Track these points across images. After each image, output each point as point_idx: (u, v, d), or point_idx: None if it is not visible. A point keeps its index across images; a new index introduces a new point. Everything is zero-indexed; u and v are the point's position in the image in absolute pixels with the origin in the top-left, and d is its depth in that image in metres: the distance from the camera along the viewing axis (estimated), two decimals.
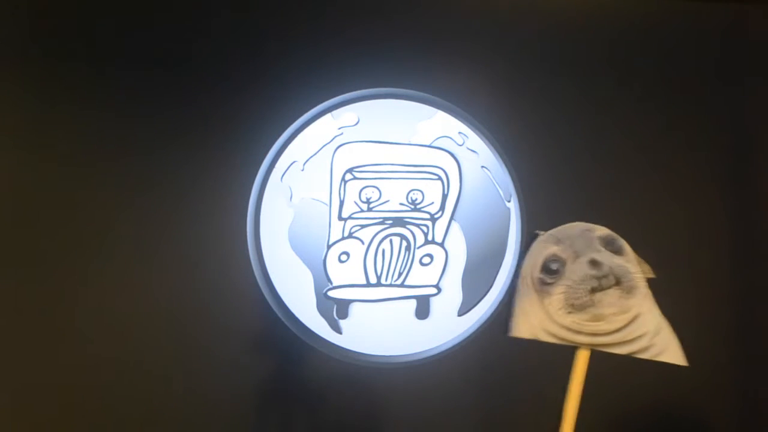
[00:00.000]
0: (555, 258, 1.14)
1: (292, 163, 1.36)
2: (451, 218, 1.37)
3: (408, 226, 1.36)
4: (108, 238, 1.31)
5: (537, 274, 1.15)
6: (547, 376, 1.36)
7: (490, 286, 1.36)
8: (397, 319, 1.36)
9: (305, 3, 1.37)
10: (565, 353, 1.35)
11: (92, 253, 1.31)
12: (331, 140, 1.36)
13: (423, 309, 1.36)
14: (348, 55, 1.36)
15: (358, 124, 1.37)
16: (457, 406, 1.36)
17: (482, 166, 1.38)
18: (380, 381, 1.35)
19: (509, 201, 1.37)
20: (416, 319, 1.36)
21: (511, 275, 1.33)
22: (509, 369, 1.37)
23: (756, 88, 1.44)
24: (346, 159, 1.36)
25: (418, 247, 1.36)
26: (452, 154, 1.37)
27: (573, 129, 1.39)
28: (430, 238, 1.36)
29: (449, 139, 1.38)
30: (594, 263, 1.11)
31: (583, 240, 1.15)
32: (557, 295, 1.12)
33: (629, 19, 1.42)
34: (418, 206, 1.36)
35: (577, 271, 1.11)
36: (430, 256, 1.36)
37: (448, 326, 1.36)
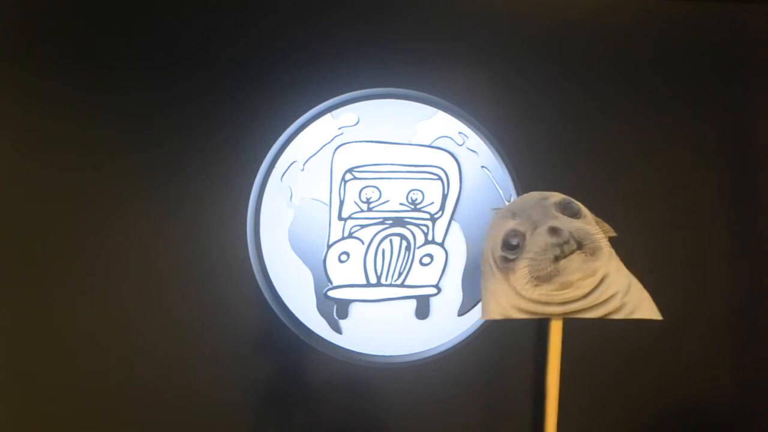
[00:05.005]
0: (514, 233, 1.11)
1: (292, 163, 1.36)
2: (451, 218, 1.37)
3: (408, 226, 1.36)
4: (108, 239, 1.31)
5: (498, 252, 1.12)
6: (545, 376, 1.36)
7: None
8: (397, 319, 1.36)
9: (305, 3, 1.37)
10: (563, 352, 1.35)
11: (92, 253, 1.31)
12: (331, 140, 1.36)
13: (423, 309, 1.36)
14: (348, 55, 1.36)
15: (358, 124, 1.37)
16: (457, 406, 1.36)
17: (482, 166, 1.38)
18: (380, 381, 1.35)
19: (509, 201, 1.37)
20: (416, 319, 1.36)
21: None
22: (509, 369, 1.37)
23: (756, 88, 1.44)
24: (346, 159, 1.36)
25: (418, 247, 1.36)
26: (452, 154, 1.37)
27: (573, 129, 1.39)
28: (430, 238, 1.36)
29: (449, 139, 1.38)
30: (553, 231, 1.07)
31: (540, 209, 1.12)
32: (521, 269, 1.08)
33: (629, 20, 1.42)
34: (418, 206, 1.36)
35: (537, 241, 1.08)
36: (430, 256, 1.36)
37: (448, 326, 1.36)
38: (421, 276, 1.36)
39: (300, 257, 1.35)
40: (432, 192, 1.37)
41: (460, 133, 1.38)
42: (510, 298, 1.10)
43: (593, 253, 1.06)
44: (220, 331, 1.32)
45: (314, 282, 1.35)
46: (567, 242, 1.06)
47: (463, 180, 1.37)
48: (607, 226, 1.15)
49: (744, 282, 1.41)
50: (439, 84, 1.37)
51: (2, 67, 1.32)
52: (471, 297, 1.36)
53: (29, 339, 1.30)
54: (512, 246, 1.09)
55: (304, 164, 1.36)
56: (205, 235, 1.32)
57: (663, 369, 1.39)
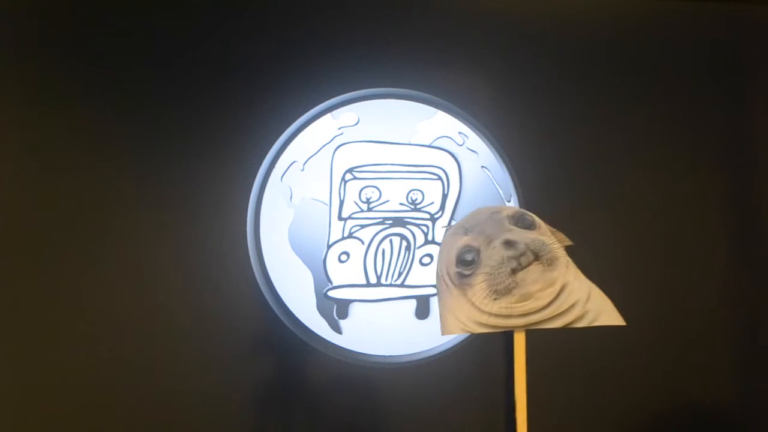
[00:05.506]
0: (468, 248, 1.10)
1: (292, 163, 1.36)
2: (451, 218, 1.37)
3: (408, 226, 1.36)
4: (107, 239, 1.31)
5: (453, 269, 1.12)
6: (546, 376, 1.36)
7: None
8: (397, 319, 1.36)
9: (305, 3, 1.37)
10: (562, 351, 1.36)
11: (91, 253, 1.31)
12: (331, 140, 1.36)
13: (423, 309, 1.36)
14: (348, 55, 1.36)
15: (358, 124, 1.37)
16: (456, 406, 1.36)
17: (482, 166, 1.38)
18: (380, 381, 1.34)
19: (509, 201, 1.37)
20: (416, 319, 1.36)
21: None
22: (509, 369, 1.37)
23: (756, 88, 1.44)
24: (346, 159, 1.36)
25: (418, 247, 1.36)
26: (452, 154, 1.37)
27: (573, 129, 1.39)
28: (430, 238, 1.36)
29: (449, 139, 1.38)
30: (509, 243, 1.07)
31: (492, 223, 1.12)
32: (479, 284, 1.08)
33: (629, 20, 1.42)
34: (418, 206, 1.36)
35: (493, 255, 1.07)
36: (430, 256, 1.36)
37: None
38: (421, 276, 1.36)
39: (300, 257, 1.35)
40: (432, 192, 1.37)
41: (460, 133, 1.38)
42: (469, 313, 1.10)
43: (551, 263, 1.06)
44: (220, 331, 1.32)
45: (314, 282, 1.35)
46: (523, 254, 1.06)
47: (463, 180, 1.37)
48: (562, 236, 1.14)
49: (744, 282, 1.41)
50: (439, 84, 1.37)
51: (2, 67, 1.32)
52: None
53: (29, 339, 1.30)
54: (467, 261, 1.09)
55: (304, 164, 1.36)
56: (205, 235, 1.32)
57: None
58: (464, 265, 1.09)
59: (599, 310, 1.10)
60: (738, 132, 1.44)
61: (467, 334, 1.35)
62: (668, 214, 1.40)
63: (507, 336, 1.35)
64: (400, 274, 1.36)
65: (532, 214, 1.13)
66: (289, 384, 1.34)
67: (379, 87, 1.36)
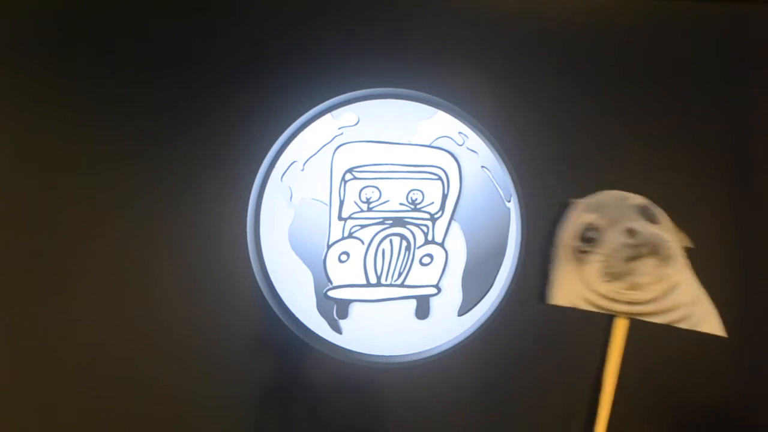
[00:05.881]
0: (591, 226, 1.15)
1: (292, 163, 1.36)
2: (451, 218, 1.37)
3: (408, 226, 1.36)
4: (107, 239, 1.31)
5: (574, 242, 1.15)
6: (545, 375, 1.36)
7: (490, 286, 1.36)
8: (397, 319, 1.36)
9: (305, 3, 1.37)
10: (562, 351, 1.35)
11: (91, 253, 1.31)
12: (331, 140, 1.36)
13: (423, 309, 1.36)
14: (348, 55, 1.36)
15: (358, 124, 1.37)
16: (457, 406, 1.36)
17: (482, 166, 1.38)
18: (380, 381, 1.35)
19: (509, 201, 1.37)
20: (416, 319, 1.36)
21: (511, 275, 1.34)
22: (509, 369, 1.37)
23: (756, 88, 1.44)
24: (346, 159, 1.36)
25: (418, 247, 1.36)
26: (452, 154, 1.37)
27: (573, 129, 1.39)
28: (430, 238, 1.36)
29: (449, 139, 1.38)
30: (630, 232, 1.12)
31: (619, 208, 1.16)
32: (595, 263, 1.13)
33: (629, 20, 1.42)
34: (418, 206, 1.36)
35: (613, 239, 1.12)
36: (430, 256, 1.36)
37: (448, 326, 1.36)
38: (421, 276, 1.36)
39: (300, 257, 1.35)
40: (432, 192, 1.37)
41: (460, 133, 1.38)
42: (579, 288, 1.13)
43: (666, 260, 1.10)
44: (220, 331, 1.32)
45: (314, 282, 1.35)
46: (642, 245, 1.09)
47: (463, 180, 1.37)
48: (684, 236, 1.17)
49: (744, 282, 1.41)
50: (439, 84, 1.37)
51: (2, 67, 1.32)
52: (471, 297, 1.36)
53: (28, 339, 1.30)
54: (588, 239, 1.12)
55: (304, 164, 1.36)
56: (205, 235, 1.32)
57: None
58: (585, 242, 1.13)
59: (703, 316, 1.14)
60: (740, 132, 1.44)
61: (467, 334, 1.35)
62: (669, 214, 1.40)
63: (507, 336, 1.35)
64: (400, 274, 1.36)
65: (658, 208, 1.15)
66: (289, 384, 1.34)
67: (379, 87, 1.36)
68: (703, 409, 1.37)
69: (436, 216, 1.37)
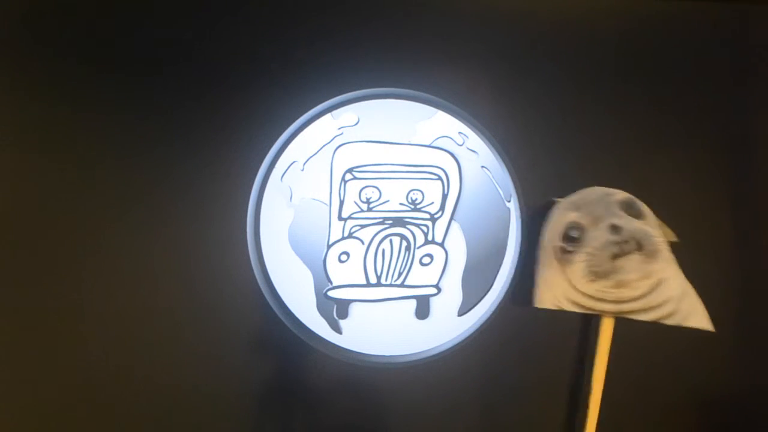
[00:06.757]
0: (574, 225, 1.11)
1: (292, 163, 1.36)
2: (451, 218, 1.37)
3: (408, 226, 1.36)
4: (107, 239, 1.31)
5: (557, 242, 1.12)
6: (545, 375, 1.36)
7: (490, 286, 1.36)
8: (397, 319, 1.36)
9: (305, 3, 1.37)
10: (562, 352, 1.35)
11: (91, 253, 1.31)
12: (331, 140, 1.36)
13: (423, 309, 1.36)
14: (348, 55, 1.36)
15: (358, 124, 1.37)
16: (456, 406, 1.36)
17: (482, 166, 1.38)
18: (380, 381, 1.35)
19: (509, 201, 1.37)
20: (416, 319, 1.36)
21: (511, 275, 1.34)
22: (509, 369, 1.37)
23: (757, 88, 1.44)
24: (346, 159, 1.36)
25: (418, 247, 1.36)
26: (452, 154, 1.37)
27: (573, 129, 1.39)
28: (430, 238, 1.36)
29: (449, 139, 1.38)
30: (614, 228, 1.07)
31: (602, 205, 1.12)
32: (579, 263, 1.09)
33: (629, 20, 1.42)
34: (418, 206, 1.36)
35: (597, 237, 1.08)
36: (430, 256, 1.36)
37: (448, 326, 1.36)
38: (421, 276, 1.36)
39: (300, 257, 1.35)
40: (432, 192, 1.37)
41: (460, 133, 1.38)
42: (564, 289, 1.11)
43: (652, 255, 1.07)
44: (220, 331, 1.32)
45: (314, 282, 1.35)
46: (626, 241, 1.06)
47: (463, 180, 1.37)
48: (669, 231, 1.14)
49: (744, 283, 1.41)
50: (439, 84, 1.36)
51: (2, 67, 1.32)
52: (471, 297, 1.36)
53: (28, 339, 1.30)
54: (572, 238, 1.10)
55: (304, 164, 1.36)
56: (205, 235, 1.32)
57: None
58: (568, 241, 1.10)
59: (690, 311, 1.11)
60: (743, 132, 1.44)
61: (467, 334, 1.35)
62: (670, 215, 1.39)
63: (506, 336, 1.35)
64: (400, 274, 1.36)
65: (642, 203, 1.13)
66: (289, 384, 1.34)
67: (379, 87, 1.36)
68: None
69: (436, 216, 1.36)
